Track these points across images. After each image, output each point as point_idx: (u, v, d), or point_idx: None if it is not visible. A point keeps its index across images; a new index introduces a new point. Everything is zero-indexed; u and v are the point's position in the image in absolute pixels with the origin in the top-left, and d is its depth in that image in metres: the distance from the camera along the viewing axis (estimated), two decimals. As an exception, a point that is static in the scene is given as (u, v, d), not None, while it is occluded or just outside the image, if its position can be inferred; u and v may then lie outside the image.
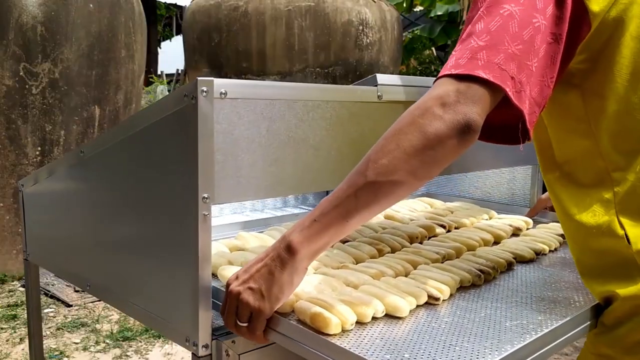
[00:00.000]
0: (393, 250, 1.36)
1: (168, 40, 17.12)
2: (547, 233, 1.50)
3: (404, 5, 7.74)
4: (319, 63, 5.23)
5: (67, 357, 2.88)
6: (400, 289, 1.08)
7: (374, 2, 5.47)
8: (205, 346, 0.99)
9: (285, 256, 0.89)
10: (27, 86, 3.82)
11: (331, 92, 1.14)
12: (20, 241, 3.94)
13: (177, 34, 16.85)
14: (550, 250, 1.43)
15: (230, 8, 5.25)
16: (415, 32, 8.23)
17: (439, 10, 7.47)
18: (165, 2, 14.81)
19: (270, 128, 1.04)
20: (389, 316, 1.01)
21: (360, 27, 5.32)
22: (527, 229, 1.59)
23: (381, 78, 1.21)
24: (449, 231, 1.55)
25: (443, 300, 1.09)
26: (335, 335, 0.91)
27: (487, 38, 0.85)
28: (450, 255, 1.32)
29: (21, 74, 3.79)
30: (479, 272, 1.19)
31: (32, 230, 1.57)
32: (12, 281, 3.92)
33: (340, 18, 5.22)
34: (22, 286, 3.82)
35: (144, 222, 1.11)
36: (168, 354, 2.93)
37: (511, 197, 1.78)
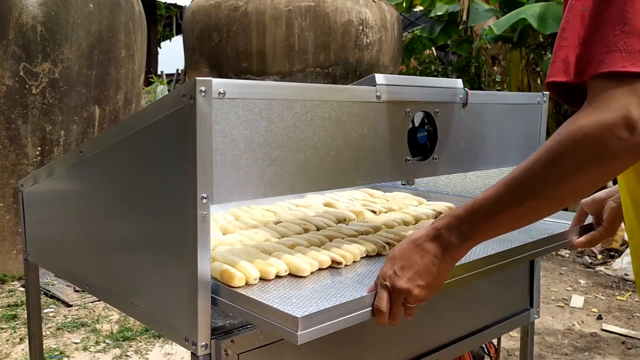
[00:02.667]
0: (318, 230, 1.44)
1: (168, 40, 17.11)
2: None
3: (404, 5, 7.72)
4: (319, 63, 5.23)
5: (67, 357, 2.88)
6: (308, 255, 1.21)
7: (374, 2, 5.47)
8: (205, 346, 0.99)
9: (453, 252, 0.92)
10: (27, 86, 3.82)
11: (330, 92, 1.14)
12: (20, 241, 3.94)
13: (177, 34, 16.84)
14: None
15: (230, 8, 5.25)
16: (415, 32, 8.22)
17: (439, 10, 7.44)
18: (165, 2, 14.79)
19: (268, 128, 1.04)
20: (294, 276, 1.15)
21: (360, 27, 5.31)
22: (440, 213, 1.67)
23: (380, 78, 1.21)
24: None
25: (346, 265, 1.22)
26: (239, 287, 1.06)
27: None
28: (367, 232, 1.41)
29: (21, 74, 3.79)
30: (385, 244, 1.30)
31: (32, 230, 1.57)
32: (12, 281, 3.92)
33: (340, 18, 5.22)
34: (22, 286, 3.83)
35: (143, 222, 1.11)
36: (168, 354, 2.93)
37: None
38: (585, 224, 1.43)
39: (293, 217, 1.54)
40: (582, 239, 1.39)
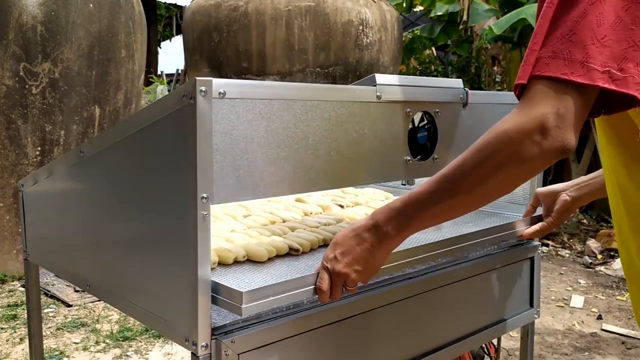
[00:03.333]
0: (284, 222, 1.49)
1: (168, 40, 17.12)
2: None
3: (404, 5, 7.71)
4: (319, 63, 5.23)
5: (67, 357, 2.88)
6: (267, 242, 1.27)
7: (374, 2, 5.47)
8: (205, 346, 0.99)
9: (389, 241, 0.99)
10: (27, 86, 3.82)
11: (330, 92, 1.14)
12: (20, 241, 3.94)
13: (177, 34, 16.84)
14: None
15: (230, 8, 5.25)
16: (415, 32, 8.20)
17: (439, 10, 7.43)
18: (165, 2, 14.80)
19: (269, 128, 1.04)
20: (253, 262, 1.22)
21: (360, 27, 5.31)
22: None
23: (380, 78, 1.21)
24: None
25: (304, 252, 1.28)
26: None
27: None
28: (330, 223, 1.45)
29: (21, 74, 3.79)
30: None
31: (32, 230, 1.57)
32: (12, 281, 3.92)
33: (340, 18, 5.22)
34: (22, 286, 3.83)
35: (143, 221, 1.11)
36: (168, 354, 2.93)
37: (511, 195, 1.79)
38: (535, 215, 1.53)
39: (262, 211, 1.59)
40: (531, 229, 1.49)
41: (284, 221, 1.51)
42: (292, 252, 1.27)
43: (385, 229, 0.98)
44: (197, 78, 0.92)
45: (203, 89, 0.93)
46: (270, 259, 1.24)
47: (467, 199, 0.92)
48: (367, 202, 1.77)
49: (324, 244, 1.34)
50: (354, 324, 1.19)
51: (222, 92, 0.96)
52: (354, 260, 1.00)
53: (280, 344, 1.07)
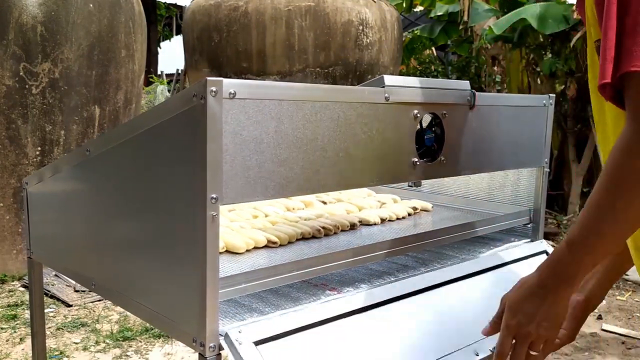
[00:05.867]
0: (267, 217, 1.54)
1: (168, 40, 17.11)
2: (403, 206, 1.73)
3: (404, 5, 7.70)
4: (319, 63, 5.23)
5: (67, 357, 2.88)
6: (246, 235, 1.32)
7: (374, 2, 5.46)
8: (213, 347, 0.99)
9: (563, 290, 0.94)
10: (27, 86, 3.81)
11: (339, 93, 1.14)
12: (20, 241, 3.93)
13: (177, 34, 16.83)
14: (397, 218, 1.66)
15: (230, 8, 5.24)
16: (415, 32, 8.20)
17: (439, 10, 7.42)
18: (165, 2, 14.79)
19: (278, 128, 1.03)
20: (232, 253, 1.27)
21: (360, 27, 5.31)
22: (384, 203, 1.78)
23: (389, 79, 1.21)
24: None
25: (282, 245, 1.34)
26: None
27: None
28: (309, 218, 1.51)
29: (21, 74, 3.77)
30: (320, 228, 1.43)
31: (37, 228, 1.57)
32: (12, 281, 3.91)
33: (340, 18, 5.22)
34: (22, 286, 3.82)
35: (151, 221, 1.10)
36: (168, 354, 2.93)
37: (515, 198, 1.79)
38: None
39: (246, 205, 1.62)
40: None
41: (266, 216, 1.54)
42: (270, 245, 1.32)
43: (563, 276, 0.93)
44: (208, 78, 0.91)
45: (213, 89, 0.92)
46: (248, 251, 1.29)
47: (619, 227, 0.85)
48: (350, 198, 1.81)
49: (302, 238, 1.40)
50: (365, 322, 1.19)
51: (233, 92, 0.95)
52: (540, 320, 0.96)
53: (287, 347, 1.07)
